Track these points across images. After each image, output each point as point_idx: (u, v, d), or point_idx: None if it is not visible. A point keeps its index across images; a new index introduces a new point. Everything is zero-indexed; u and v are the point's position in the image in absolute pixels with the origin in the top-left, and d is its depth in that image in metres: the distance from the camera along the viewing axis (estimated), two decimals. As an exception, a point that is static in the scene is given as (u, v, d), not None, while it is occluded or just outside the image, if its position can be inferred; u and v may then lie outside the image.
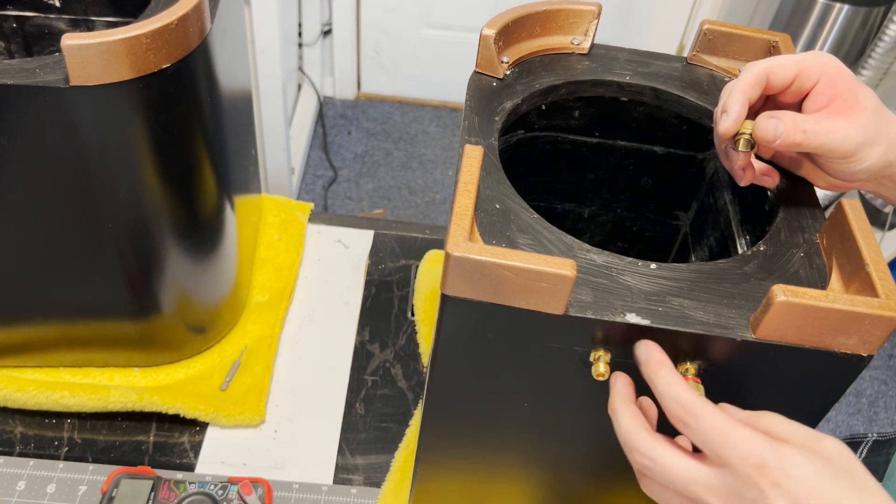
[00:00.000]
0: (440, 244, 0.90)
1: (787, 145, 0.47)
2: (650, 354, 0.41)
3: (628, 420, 0.41)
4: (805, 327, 0.41)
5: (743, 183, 0.51)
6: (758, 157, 0.54)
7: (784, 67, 0.48)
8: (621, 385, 0.43)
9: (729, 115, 0.47)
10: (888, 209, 1.86)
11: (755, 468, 0.36)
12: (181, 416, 0.69)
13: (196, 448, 0.70)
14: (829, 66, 0.48)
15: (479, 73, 0.56)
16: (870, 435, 0.67)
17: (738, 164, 0.50)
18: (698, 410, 0.38)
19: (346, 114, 2.43)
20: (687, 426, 0.39)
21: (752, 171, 0.51)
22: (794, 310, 0.40)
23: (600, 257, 0.46)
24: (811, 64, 0.48)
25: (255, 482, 0.64)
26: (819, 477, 0.36)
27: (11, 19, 0.70)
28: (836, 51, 1.82)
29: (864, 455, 0.66)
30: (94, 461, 0.68)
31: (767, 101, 0.51)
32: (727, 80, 0.59)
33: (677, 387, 0.39)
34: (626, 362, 0.44)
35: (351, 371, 0.77)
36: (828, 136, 0.46)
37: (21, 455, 0.68)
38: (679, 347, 0.43)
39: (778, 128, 0.46)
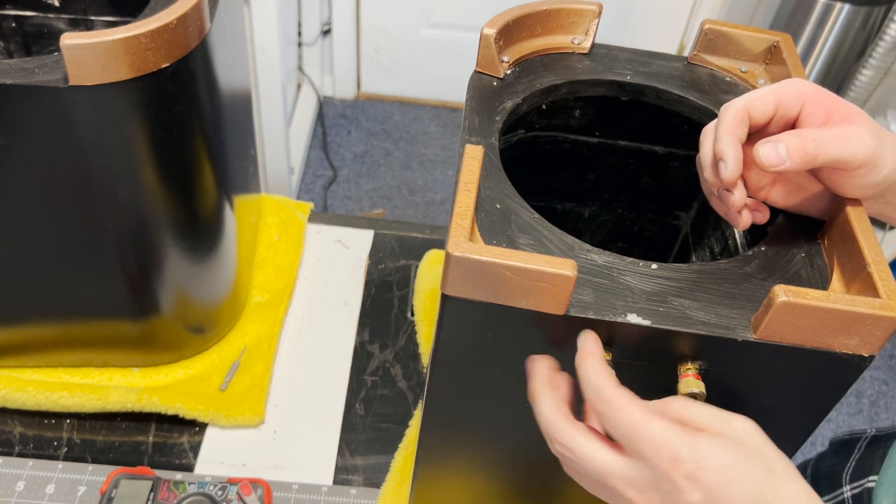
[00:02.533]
0: (440, 244, 0.90)
1: (800, 163, 0.44)
2: (584, 344, 0.42)
3: (548, 407, 0.41)
4: (806, 328, 0.40)
5: (741, 226, 0.49)
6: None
7: (762, 100, 0.46)
8: (541, 369, 0.43)
9: (727, 162, 0.45)
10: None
11: (669, 461, 0.37)
12: (180, 416, 0.69)
13: (195, 448, 0.70)
14: (808, 89, 0.46)
15: (479, 72, 0.56)
16: (868, 430, 0.68)
17: (736, 207, 0.48)
18: (614, 401, 0.39)
19: (345, 113, 2.43)
20: (603, 416, 0.39)
21: (748, 211, 0.49)
22: (795, 310, 0.40)
23: (601, 257, 0.45)
24: (788, 91, 0.46)
25: (255, 483, 0.64)
26: (732, 465, 0.36)
27: (10, 19, 0.70)
28: (837, 51, 1.83)
29: (861, 450, 0.66)
30: (94, 461, 0.68)
31: (750, 138, 0.48)
32: (728, 79, 0.59)
33: (598, 377, 0.40)
34: (627, 362, 0.44)
35: (351, 371, 0.77)
36: (842, 141, 0.44)
37: (20, 455, 0.68)
38: (680, 348, 0.43)
39: (779, 150, 0.44)
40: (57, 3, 0.69)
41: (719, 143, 0.46)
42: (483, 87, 0.55)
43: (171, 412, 0.69)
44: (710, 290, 0.44)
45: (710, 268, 0.46)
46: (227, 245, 0.69)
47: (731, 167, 0.45)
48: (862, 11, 1.75)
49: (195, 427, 0.71)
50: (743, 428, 0.38)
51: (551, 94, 0.58)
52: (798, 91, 0.46)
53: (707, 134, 0.48)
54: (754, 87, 0.60)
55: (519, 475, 0.57)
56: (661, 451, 0.37)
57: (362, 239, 0.90)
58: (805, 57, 1.85)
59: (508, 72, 0.57)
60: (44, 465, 0.66)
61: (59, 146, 0.52)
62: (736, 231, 0.59)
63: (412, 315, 0.82)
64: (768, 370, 0.44)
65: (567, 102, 0.60)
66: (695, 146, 0.64)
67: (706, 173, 0.48)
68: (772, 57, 0.60)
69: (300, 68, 2.33)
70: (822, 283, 0.46)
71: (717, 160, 0.46)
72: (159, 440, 0.70)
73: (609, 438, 0.40)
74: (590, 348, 0.41)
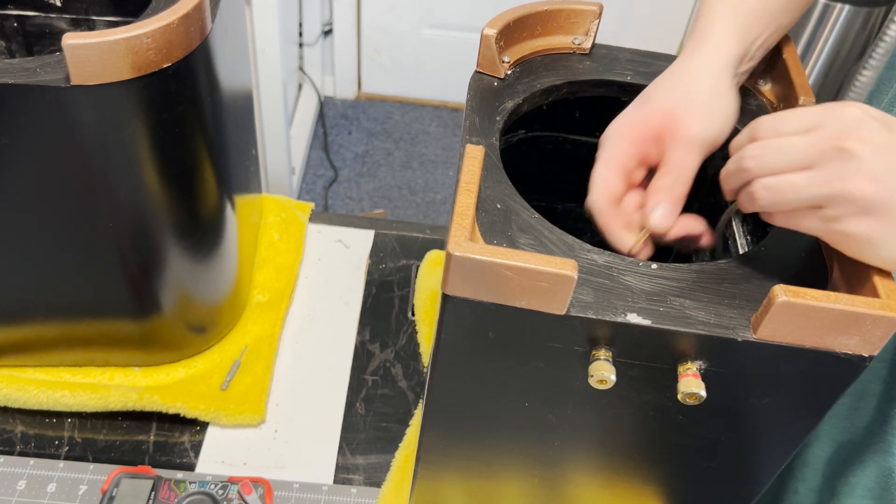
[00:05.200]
0: (441, 244, 0.90)
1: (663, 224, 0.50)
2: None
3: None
4: (806, 328, 0.41)
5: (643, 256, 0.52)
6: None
7: (609, 179, 0.52)
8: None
9: (627, 246, 0.51)
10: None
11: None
12: (181, 415, 0.69)
13: (196, 448, 0.70)
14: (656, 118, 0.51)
15: (480, 72, 0.56)
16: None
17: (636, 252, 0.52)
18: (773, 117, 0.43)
19: (346, 113, 2.43)
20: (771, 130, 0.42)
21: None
22: (795, 310, 0.40)
23: (601, 257, 0.46)
24: (619, 153, 0.52)
25: (256, 482, 0.64)
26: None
27: (12, 19, 0.70)
28: (837, 51, 1.82)
29: None
30: (95, 461, 0.68)
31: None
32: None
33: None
34: (627, 362, 0.44)
35: (351, 371, 0.77)
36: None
37: (21, 454, 0.68)
38: (680, 347, 0.43)
39: (659, 213, 0.50)
40: (59, 3, 0.69)
41: (614, 243, 0.52)
42: (484, 88, 0.55)
43: (172, 411, 0.69)
44: (710, 290, 0.44)
45: (710, 268, 0.46)
46: (228, 245, 0.70)
47: (636, 245, 0.52)
48: (862, 12, 1.75)
49: (196, 426, 0.71)
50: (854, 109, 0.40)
51: (552, 94, 0.58)
52: (651, 122, 0.52)
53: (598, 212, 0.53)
54: (754, 87, 0.60)
55: (519, 474, 0.58)
56: (835, 111, 0.40)
57: (363, 239, 0.90)
58: (805, 57, 1.85)
59: (509, 72, 0.57)
60: (45, 464, 0.66)
61: (61, 146, 0.53)
62: (736, 231, 0.59)
63: (413, 315, 0.82)
64: (768, 370, 0.44)
65: (568, 103, 0.60)
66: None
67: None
68: (772, 57, 0.60)
69: (301, 68, 2.33)
70: (822, 283, 0.46)
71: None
72: (160, 439, 0.70)
73: None
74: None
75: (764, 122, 0.42)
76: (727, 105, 0.51)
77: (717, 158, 0.62)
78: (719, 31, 0.51)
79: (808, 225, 0.41)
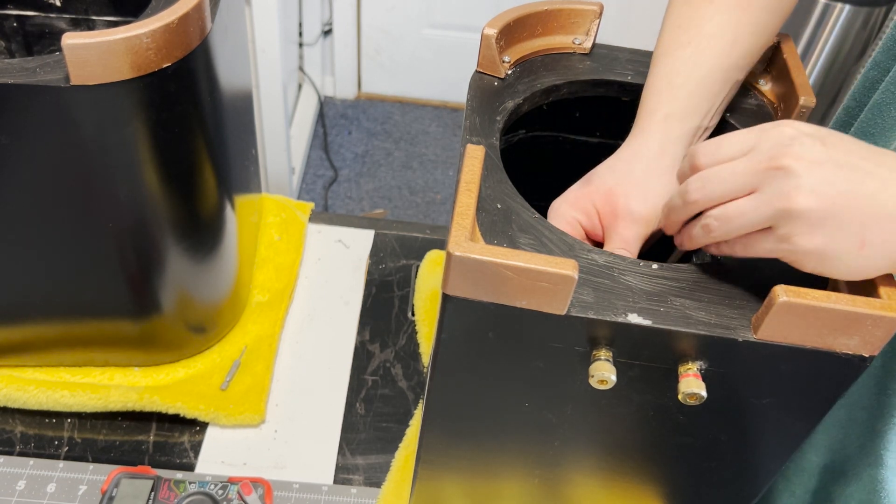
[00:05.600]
0: (441, 244, 0.90)
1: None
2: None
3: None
4: (807, 328, 0.41)
5: None
6: None
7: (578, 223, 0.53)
8: None
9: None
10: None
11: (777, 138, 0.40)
12: (181, 415, 0.69)
13: (196, 448, 0.70)
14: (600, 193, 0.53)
15: (480, 72, 0.56)
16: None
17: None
18: (713, 141, 0.43)
19: (346, 113, 2.43)
20: (712, 156, 0.43)
21: None
22: (795, 310, 0.40)
23: (602, 257, 0.46)
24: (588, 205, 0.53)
25: (256, 482, 0.64)
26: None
27: (12, 18, 0.70)
28: (837, 51, 1.82)
29: None
30: (95, 461, 0.68)
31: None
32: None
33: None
34: (627, 362, 0.44)
35: (351, 371, 0.77)
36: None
37: (21, 454, 0.68)
38: (681, 348, 0.43)
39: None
40: (58, 3, 0.69)
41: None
42: (484, 88, 0.55)
43: (171, 411, 0.69)
44: (710, 290, 0.44)
45: (710, 268, 0.46)
46: (227, 245, 0.69)
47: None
48: (862, 12, 1.75)
49: (196, 426, 0.71)
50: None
51: (552, 94, 0.58)
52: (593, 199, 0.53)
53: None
54: (755, 87, 0.60)
55: (519, 474, 0.57)
56: (770, 132, 0.40)
57: (363, 239, 0.90)
58: (805, 57, 1.85)
59: (509, 72, 0.57)
60: (45, 464, 0.66)
61: (61, 146, 0.53)
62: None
63: (412, 315, 0.82)
64: (769, 370, 0.44)
65: (568, 102, 0.60)
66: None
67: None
68: (772, 57, 0.60)
69: (301, 68, 2.33)
70: (823, 284, 0.46)
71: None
72: (160, 439, 0.70)
73: None
74: None
75: (701, 150, 0.43)
76: (662, 186, 0.52)
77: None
78: (659, 117, 0.53)
79: (765, 248, 0.41)
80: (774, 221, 0.40)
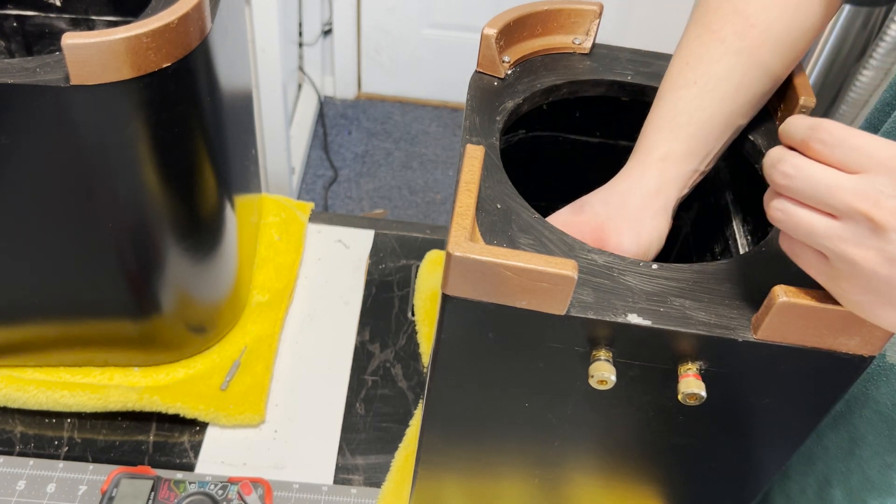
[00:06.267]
0: (440, 244, 0.90)
1: None
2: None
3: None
4: (806, 328, 0.41)
5: None
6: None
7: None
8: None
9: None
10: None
11: None
12: (181, 415, 0.69)
13: (196, 448, 0.70)
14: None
15: (480, 72, 0.56)
16: None
17: None
18: (833, 127, 0.36)
19: (346, 113, 2.43)
20: (828, 144, 0.36)
21: None
22: (795, 310, 0.40)
23: (601, 257, 0.45)
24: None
25: (255, 482, 0.64)
26: None
27: (12, 18, 0.70)
28: (837, 51, 1.82)
29: None
30: (94, 461, 0.68)
31: None
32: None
33: (809, 122, 0.37)
34: (627, 362, 0.44)
35: (351, 371, 0.77)
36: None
37: (21, 454, 0.68)
38: (680, 348, 0.43)
39: None
40: (58, 3, 0.69)
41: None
42: (484, 87, 0.55)
43: (171, 411, 0.69)
44: (710, 291, 0.44)
45: (710, 268, 0.46)
46: (227, 245, 0.69)
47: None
48: (862, 12, 1.75)
49: (196, 426, 0.71)
50: None
51: (552, 94, 0.58)
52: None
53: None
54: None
55: (519, 474, 0.57)
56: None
57: (363, 239, 0.90)
58: (805, 57, 1.85)
59: (509, 72, 0.57)
60: (44, 464, 0.66)
61: (61, 146, 0.52)
62: (737, 231, 0.59)
63: (412, 315, 0.82)
64: (769, 370, 0.44)
65: (568, 102, 0.60)
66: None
67: None
68: (772, 57, 0.60)
69: (301, 68, 2.33)
70: (823, 284, 0.46)
71: None
72: (160, 439, 0.70)
73: None
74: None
75: (827, 129, 0.36)
76: (655, 227, 0.52)
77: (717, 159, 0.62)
78: (657, 155, 0.52)
79: (807, 264, 0.39)
80: (835, 258, 0.37)
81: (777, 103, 0.58)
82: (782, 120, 0.56)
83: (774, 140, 0.56)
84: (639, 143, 0.53)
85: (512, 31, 0.56)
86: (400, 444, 0.71)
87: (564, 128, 0.64)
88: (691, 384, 0.43)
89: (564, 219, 0.53)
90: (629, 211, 0.51)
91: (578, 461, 0.55)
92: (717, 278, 0.45)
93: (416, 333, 0.80)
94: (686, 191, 0.54)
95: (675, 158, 0.52)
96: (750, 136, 0.56)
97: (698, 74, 0.52)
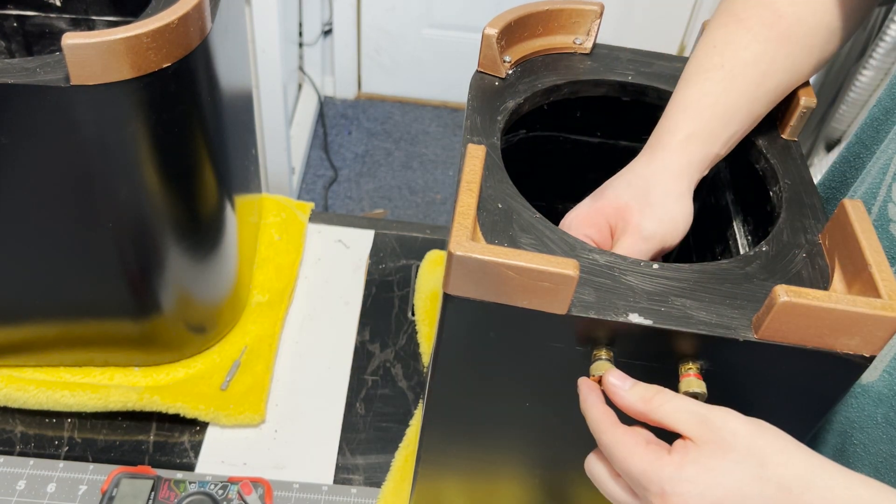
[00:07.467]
0: (441, 244, 0.90)
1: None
2: (582, 393, 0.43)
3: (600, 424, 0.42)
4: (807, 328, 0.41)
5: None
6: None
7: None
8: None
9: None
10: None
11: (658, 497, 0.38)
12: (181, 415, 0.69)
13: (196, 448, 0.70)
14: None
15: (481, 72, 0.56)
16: None
17: None
18: (611, 444, 0.41)
19: (346, 113, 2.43)
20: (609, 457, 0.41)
21: None
22: (796, 310, 0.40)
23: (602, 257, 0.45)
24: None
25: (256, 482, 0.64)
26: (715, 484, 0.37)
27: (12, 18, 0.70)
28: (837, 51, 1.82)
29: None
30: (95, 461, 0.68)
31: None
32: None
33: (595, 423, 0.42)
34: (628, 362, 0.44)
35: (351, 371, 0.77)
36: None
37: (21, 454, 0.68)
38: (682, 347, 0.43)
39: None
40: (58, 3, 0.69)
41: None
42: (485, 87, 0.55)
43: (172, 411, 0.69)
44: (711, 290, 0.44)
45: (711, 268, 0.46)
46: (227, 245, 0.69)
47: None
48: (862, 12, 1.75)
49: (196, 426, 0.71)
50: (723, 425, 0.38)
51: (553, 94, 0.58)
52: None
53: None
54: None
55: (520, 474, 0.57)
56: (649, 488, 0.38)
57: (363, 239, 0.90)
58: (806, 57, 1.85)
59: (510, 72, 0.57)
60: (45, 464, 0.66)
61: (61, 146, 0.52)
62: (737, 231, 0.59)
63: (413, 315, 0.82)
64: (769, 370, 0.44)
65: (569, 102, 0.60)
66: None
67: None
68: (773, 57, 0.60)
69: (301, 68, 2.33)
70: (824, 284, 0.46)
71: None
72: (160, 439, 0.70)
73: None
74: (584, 396, 0.43)
75: (638, 399, 0.41)
76: (680, 210, 0.51)
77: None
78: (681, 136, 0.51)
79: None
80: None
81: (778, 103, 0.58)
82: (783, 120, 0.57)
83: (775, 140, 0.56)
84: (660, 124, 0.53)
85: (513, 31, 0.56)
86: (400, 444, 0.71)
87: (565, 128, 0.64)
88: (692, 383, 0.43)
89: (587, 209, 0.53)
90: (653, 194, 0.51)
91: (578, 461, 0.55)
92: (717, 278, 0.45)
93: (417, 333, 0.80)
94: (705, 172, 0.54)
95: (699, 140, 0.51)
96: (750, 137, 0.56)
97: (725, 58, 0.51)
